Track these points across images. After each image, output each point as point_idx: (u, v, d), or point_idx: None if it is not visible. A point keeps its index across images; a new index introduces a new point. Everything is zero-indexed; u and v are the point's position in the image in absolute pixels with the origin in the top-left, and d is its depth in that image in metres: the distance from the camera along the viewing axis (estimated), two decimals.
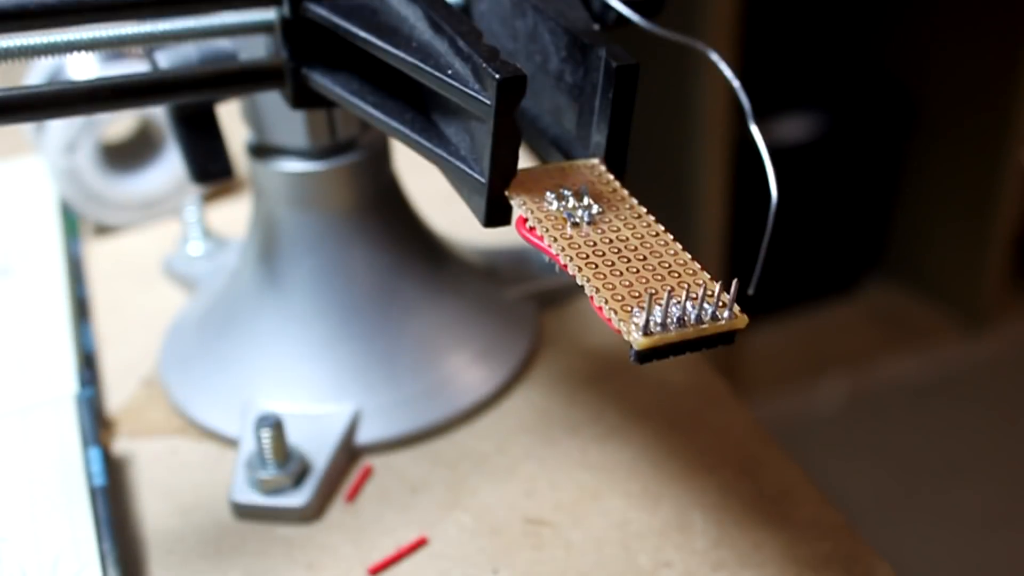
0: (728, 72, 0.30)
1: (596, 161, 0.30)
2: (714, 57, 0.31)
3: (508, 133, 0.28)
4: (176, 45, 0.36)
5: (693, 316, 0.25)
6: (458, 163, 0.30)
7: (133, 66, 0.48)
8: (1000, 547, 1.24)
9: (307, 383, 0.41)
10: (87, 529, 0.35)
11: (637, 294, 0.26)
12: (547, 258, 0.28)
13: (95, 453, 0.38)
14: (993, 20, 1.29)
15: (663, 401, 0.42)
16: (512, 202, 0.29)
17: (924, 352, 1.50)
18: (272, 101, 0.39)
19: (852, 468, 1.32)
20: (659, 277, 0.26)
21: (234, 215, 0.54)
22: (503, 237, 0.33)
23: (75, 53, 0.33)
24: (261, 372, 0.41)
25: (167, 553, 0.36)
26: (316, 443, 0.38)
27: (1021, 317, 1.55)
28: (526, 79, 0.27)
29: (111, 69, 0.49)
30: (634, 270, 0.27)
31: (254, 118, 0.40)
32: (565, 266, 0.27)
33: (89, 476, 0.37)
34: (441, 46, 0.30)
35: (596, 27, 0.31)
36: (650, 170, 1.27)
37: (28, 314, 0.46)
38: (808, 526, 0.36)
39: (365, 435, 0.40)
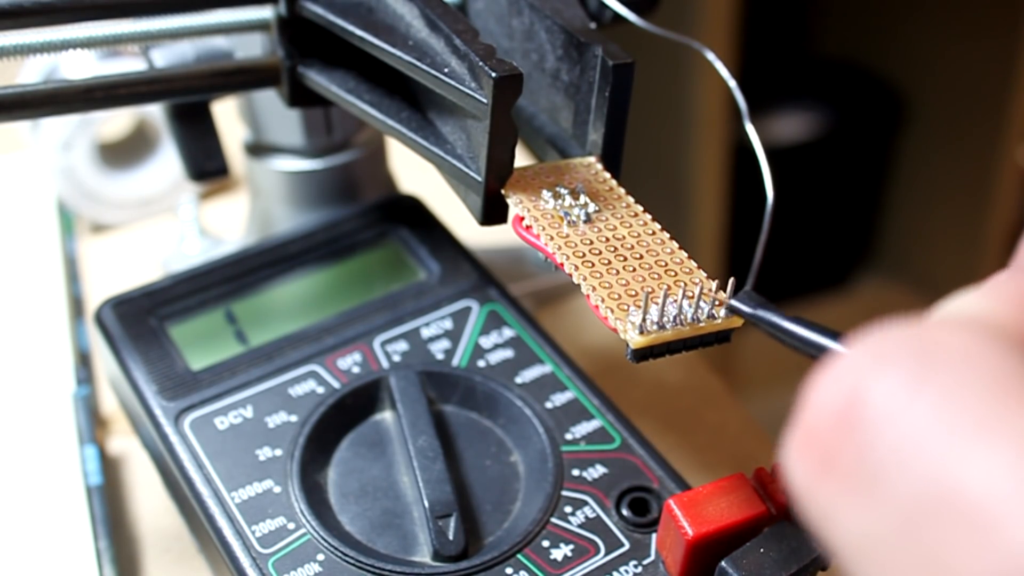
0: (724, 71, 0.30)
1: (592, 159, 0.30)
2: (710, 56, 0.31)
3: (504, 131, 0.28)
4: (172, 43, 0.36)
5: (689, 315, 0.25)
6: (454, 161, 0.30)
7: (129, 64, 0.48)
8: None
9: None
10: (83, 527, 0.35)
11: (634, 293, 0.26)
12: (544, 257, 0.28)
13: (91, 451, 0.38)
14: (987, 16, 1.29)
15: (659, 399, 0.42)
16: (508, 200, 0.29)
17: None
18: (268, 99, 0.39)
19: None
20: (656, 276, 0.26)
21: (230, 213, 0.54)
22: (500, 236, 0.33)
23: (71, 51, 0.33)
24: None
25: (163, 551, 0.36)
26: None
27: None
28: (522, 77, 0.27)
29: (107, 67, 0.49)
30: (631, 268, 0.27)
31: (250, 116, 0.40)
32: (561, 265, 0.27)
33: (85, 475, 0.37)
34: (437, 44, 0.30)
35: (592, 25, 0.31)
36: (646, 168, 1.27)
37: (24, 312, 0.46)
38: None
39: None
